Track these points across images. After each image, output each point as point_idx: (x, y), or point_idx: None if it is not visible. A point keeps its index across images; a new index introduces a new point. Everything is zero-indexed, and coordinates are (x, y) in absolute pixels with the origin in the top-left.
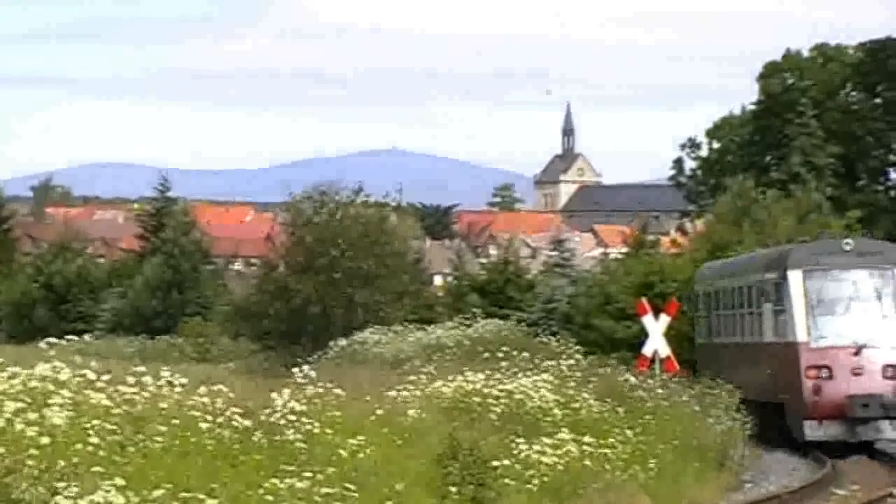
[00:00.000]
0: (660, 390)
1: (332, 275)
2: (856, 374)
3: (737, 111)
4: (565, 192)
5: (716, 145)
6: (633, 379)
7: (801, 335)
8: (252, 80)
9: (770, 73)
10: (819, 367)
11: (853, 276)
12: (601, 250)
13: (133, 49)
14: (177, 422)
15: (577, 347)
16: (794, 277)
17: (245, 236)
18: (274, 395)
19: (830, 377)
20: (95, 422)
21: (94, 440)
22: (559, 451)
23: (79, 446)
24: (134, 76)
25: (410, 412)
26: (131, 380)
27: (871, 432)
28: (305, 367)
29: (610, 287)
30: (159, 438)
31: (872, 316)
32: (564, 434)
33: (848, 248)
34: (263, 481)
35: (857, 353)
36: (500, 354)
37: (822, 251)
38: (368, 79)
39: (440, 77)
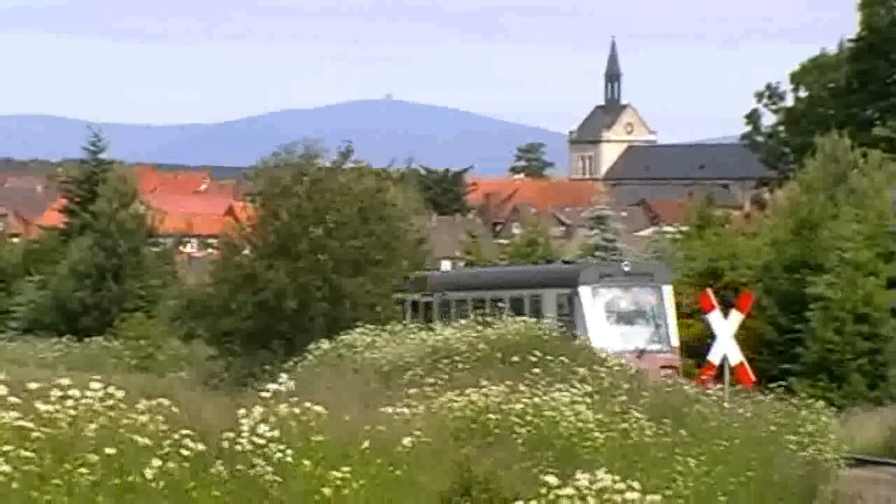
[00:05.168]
0: (726, 405)
1: (317, 259)
2: None
3: (831, 49)
4: (608, 153)
5: (803, 94)
6: (688, 389)
7: (593, 342)
8: (200, 6)
9: None
10: None
11: (631, 293)
12: (654, 228)
13: None
14: (112, 451)
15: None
16: (585, 293)
17: (200, 210)
18: (242, 412)
19: None
20: (8, 447)
21: (5, 468)
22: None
23: None
24: (49, 4)
25: (409, 438)
26: (57, 392)
27: None
28: (284, 377)
29: None
30: (86, 470)
31: (648, 325)
32: (603, 472)
33: (627, 268)
34: None
35: (639, 357)
36: (517, 360)
37: (606, 271)
38: (357, 9)
39: (447, 7)
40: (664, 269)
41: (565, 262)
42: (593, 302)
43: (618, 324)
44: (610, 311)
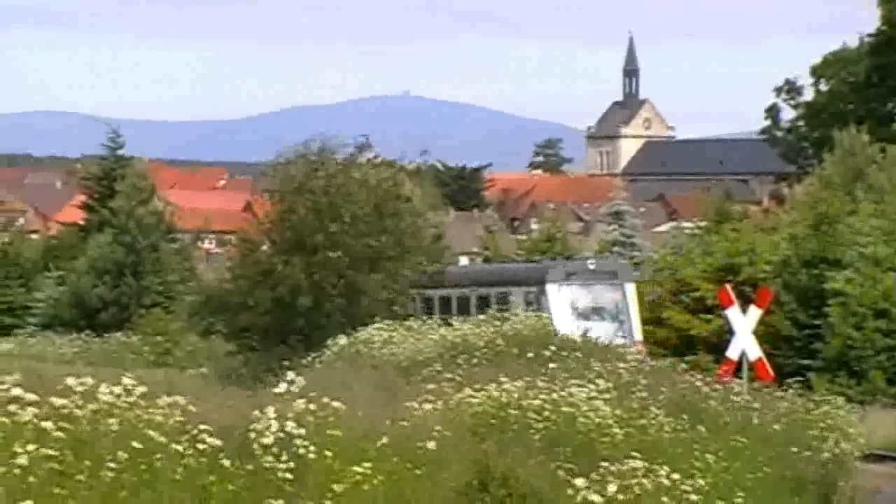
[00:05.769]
0: (738, 398)
1: (330, 254)
2: None
3: (851, 43)
4: (626, 149)
5: (823, 88)
6: (700, 385)
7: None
8: (211, 2)
9: None
10: None
11: (596, 289)
12: (672, 224)
13: None
14: (139, 446)
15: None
16: (551, 290)
17: (218, 206)
18: (255, 413)
19: None
20: (31, 447)
21: (22, 461)
22: (625, 483)
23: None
24: (63, 2)
25: (427, 434)
26: (75, 387)
27: None
28: (291, 375)
29: (684, 271)
30: (114, 465)
31: (612, 321)
32: (634, 462)
33: (592, 266)
34: None
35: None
36: (533, 355)
37: (572, 270)
38: (375, 5)
39: (465, 3)
40: (628, 268)
41: (533, 261)
42: (559, 298)
43: (582, 319)
44: (575, 308)
